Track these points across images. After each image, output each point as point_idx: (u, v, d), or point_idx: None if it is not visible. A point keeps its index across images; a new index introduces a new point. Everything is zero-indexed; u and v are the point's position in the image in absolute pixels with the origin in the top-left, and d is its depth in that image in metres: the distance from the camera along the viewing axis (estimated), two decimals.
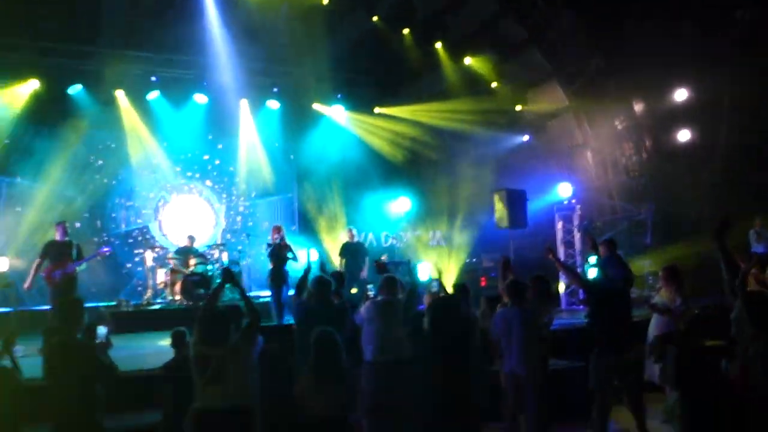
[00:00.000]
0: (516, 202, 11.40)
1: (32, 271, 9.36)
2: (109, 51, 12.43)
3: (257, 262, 13.58)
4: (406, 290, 5.73)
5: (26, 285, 9.45)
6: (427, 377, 4.61)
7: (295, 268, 10.51)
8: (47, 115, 12.44)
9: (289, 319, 9.60)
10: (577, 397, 7.04)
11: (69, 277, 9.34)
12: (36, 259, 9.47)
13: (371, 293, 7.01)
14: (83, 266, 9.61)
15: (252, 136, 14.77)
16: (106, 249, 10.65)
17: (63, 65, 12.38)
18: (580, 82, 14.42)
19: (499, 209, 11.47)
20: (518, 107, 15.85)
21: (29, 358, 7.37)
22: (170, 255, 12.48)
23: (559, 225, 13.55)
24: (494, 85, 15.21)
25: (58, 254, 9.37)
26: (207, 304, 4.95)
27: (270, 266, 10.41)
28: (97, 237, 13.26)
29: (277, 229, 10.59)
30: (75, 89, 12.59)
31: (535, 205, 12.95)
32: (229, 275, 5.12)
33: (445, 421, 4.43)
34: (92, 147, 13.31)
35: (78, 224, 13.05)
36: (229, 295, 11.43)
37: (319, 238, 14.43)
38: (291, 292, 10.28)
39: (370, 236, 15.51)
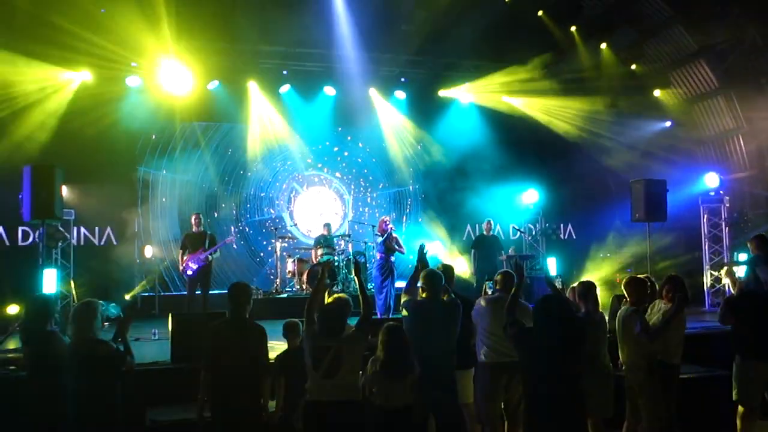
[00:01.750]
0: (654, 193, 10.57)
1: (179, 259, 10.28)
2: (241, 46, 12.91)
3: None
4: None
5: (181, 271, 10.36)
6: (527, 383, 4.32)
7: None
8: (186, 110, 13.15)
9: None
10: (719, 408, 6.44)
11: (205, 267, 9.95)
12: (179, 250, 10.22)
13: (490, 290, 6.67)
14: (216, 254, 10.18)
15: (380, 126, 14.83)
16: (230, 237, 11.24)
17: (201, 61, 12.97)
18: (732, 61, 13.12)
19: (636, 201, 10.68)
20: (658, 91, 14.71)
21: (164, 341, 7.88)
22: (304, 247, 12.91)
23: (705, 218, 12.43)
24: (633, 66, 14.17)
25: (194, 244, 10.02)
26: (314, 293, 4.95)
27: (378, 257, 10.44)
28: (233, 226, 13.92)
29: (385, 221, 10.59)
30: (213, 84, 13.20)
31: (678, 197, 11.97)
32: (356, 267, 5.21)
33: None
34: (229, 140, 13.97)
35: (216, 213, 13.83)
36: (354, 286, 11.68)
37: (444, 229, 14.24)
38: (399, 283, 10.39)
39: (498, 228, 15.10)
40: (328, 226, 12.85)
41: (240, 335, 4.84)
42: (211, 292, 10.48)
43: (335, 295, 5.43)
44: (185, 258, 10.13)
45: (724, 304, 6.08)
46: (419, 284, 5.16)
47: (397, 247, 10.50)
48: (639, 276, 6.14)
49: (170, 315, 7.22)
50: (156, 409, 5.96)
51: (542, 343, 4.14)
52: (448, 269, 5.71)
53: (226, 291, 5.17)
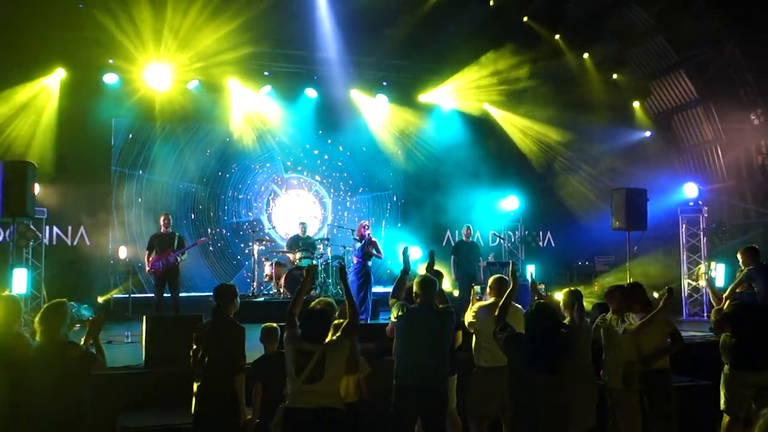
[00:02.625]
0: (635, 202, 10.59)
1: (145, 261, 9.93)
2: (222, 45, 12.72)
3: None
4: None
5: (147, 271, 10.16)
6: (514, 388, 4.26)
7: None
8: (164, 111, 12.91)
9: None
10: (703, 418, 6.41)
11: (171, 266, 9.73)
12: (145, 251, 9.98)
13: (478, 296, 6.62)
14: (184, 256, 9.97)
15: (361, 130, 14.72)
16: (203, 239, 11.05)
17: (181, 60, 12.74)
18: (711, 72, 13.24)
19: (617, 209, 10.70)
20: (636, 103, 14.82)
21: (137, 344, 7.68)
22: (282, 250, 12.73)
23: (683, 228, 12.49)
24: (614, 76, 14.24)
25: (161, 245, 9.79)
26: (297, 296, 4.82)
27: (355, 261, 10.33)
28: (211, 228, 13.71)
29: (364, 226, 10.49)
30: (193, 84, 12.98)
31: (657, 206, 12.02)
32: (342, 273, 5.15)
33: None
34: (208, 141, 13.76)
35: (193, 215, 13.61)
36: (332, 290, 11.54)
37: (424, 235, 14.15)
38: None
39: (477, 234, 15.07)
40: (303, 225, 12.66)
41: (221, 335, 4.83)
42: (183, 294, 10.28)
43: (319, 299, 5.31)
44: (152, 258, 9.89)
45: (720, 315, 6.06)
46: (414, 290, 5.03)
47: (375, 252, 10.39)
48: (621, 284, 6.11)
49: (144, 318, 7.03)
50: (128, 415, 5.76)
51: (532, 349, 4.08)
52: (437, 274, 5.62)
53: (198, 294, 5.15)
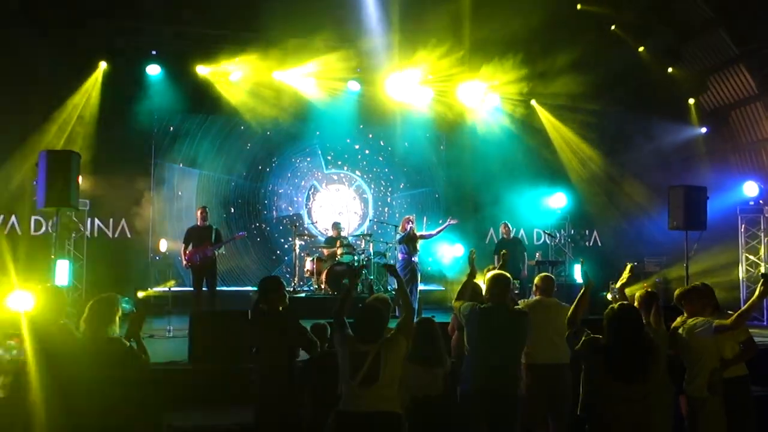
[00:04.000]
0: (694, 200, 10.07)
1: (182, 255, 9.80)
2: (268, 34, 12.52)
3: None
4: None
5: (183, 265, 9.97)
6: (595, 402, 3.92)
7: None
8: (204, 102, 12.77)
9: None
10: None
11: (208, 260, 9.54)
12: (182, 244, 9.80)
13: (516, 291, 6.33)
14: (221, 249, 9.80)
15: (402, 125, 14.38)
16: (241, 233, 10.85)
17: (225, 50, 12.59)
18: None
19: (674, 208, 10.18)
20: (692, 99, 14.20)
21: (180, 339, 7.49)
22: (321, 246, 12.49)
23: (742, 228, 11.91)
24: (670, 70, 13.66)
25: (198, 239, 9.61)
26: (344, 297, 4.53)
27: (399, 258, 10.00)
28: (250, 222, 13.54)
29: (408, 220, 10.14)
30: (235, 76, 12.80)
31: (713, 205, 11.46)
32: (392, 269, 4.90)
33: None
34: (248, 135, 13.56)
35: (232, 209, 13.45)
36: (376, 288, 11.26)
37: (467, 233, 13.78)
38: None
39: (522, 233, 14.66)
40: (337, 226, 12.40)
41: (278, 329, 4.68)
42: (223, 288, 10.11)
43: (374, 295, 5.01)
44: (188, 251, 9.70)
45: None
46: (487, 287, 4.71)
47: (421, 239, 10.09)
48: (695, 284, 5.66)
49: (190, 313, 6.83)
50: (174, 413, 5.52)
51: (616, 356, 3.73)
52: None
53: (238, 288, 4.94)
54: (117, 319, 4.34)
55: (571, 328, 4.22)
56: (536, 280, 5.90)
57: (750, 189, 11.85)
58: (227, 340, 6.27)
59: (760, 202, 11.78)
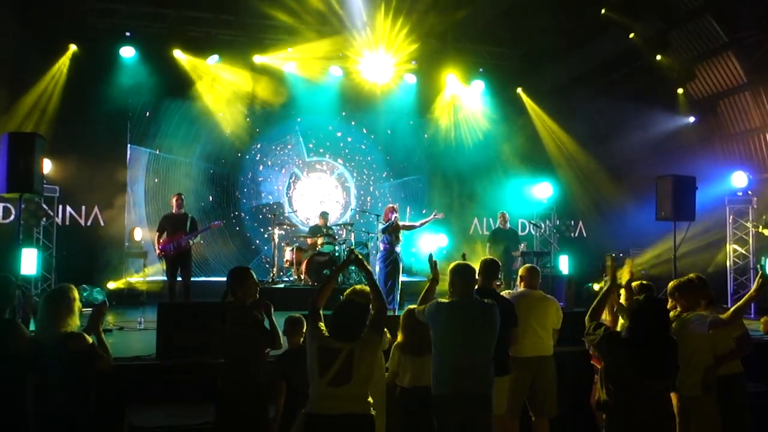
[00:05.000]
0: (683, 190, 9.79)
1: (154, 242, 9.49)
2: (248, 20, 12.14)
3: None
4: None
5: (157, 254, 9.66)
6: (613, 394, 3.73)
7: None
8: (184, 87, 12.35)
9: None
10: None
11: (183, 250, 9.19)
12: (155, 232, 9.51)
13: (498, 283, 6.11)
14: (197, 239, 9.44)
15: (385, 113, 14.04)
16: (217, 222, 10.44)
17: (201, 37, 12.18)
18: (761, 54, 12.39)
19: (662, 198, 9.93)
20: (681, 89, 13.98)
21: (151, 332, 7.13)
22: (302, 235, 12.16)
23: (731, 219, 11.72)
24: (658, 58, 13.41)
25: (173, 227, 9.24)
26: (323, 288, 4.21)
27: (381, 248, 9.68)
28: (228, 211, 13.17)
29: (392, 209, 9.81)
30: (213, 59, 12.39)
31: (700, 196, 11.25)
32: (355, 258, 4.32)
33: None
34: (226, 120, 13.14)
35: (210, 197, 13.08)
36: (355, 278, 10.93)
37: (451, 222, 13.51)
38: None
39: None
40: (324, 215, 12.06)
41: (242, 322, 4.34)
42: (197, 279, 9.75)
43: (355, 287, 4.68)
44: (162, 240, 9.32)
45: None
46: (450, 280, 4.39)
47: (405, 229, 9.77)
48: (690, 277, 5.38)
49: (158, 304, 6.47)
50: (137, 412, 5.19)
51: (640, 351, 3.66)
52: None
53: (215, 278, 4.56)
54: (76, 310, 3.98)
55: (593, 321, 4.05)
56: (521, 271, 5.79)
57: (738, 179, 11.64)
58: (198, 334, 5.91)
59: (749, 192, 11.57)
